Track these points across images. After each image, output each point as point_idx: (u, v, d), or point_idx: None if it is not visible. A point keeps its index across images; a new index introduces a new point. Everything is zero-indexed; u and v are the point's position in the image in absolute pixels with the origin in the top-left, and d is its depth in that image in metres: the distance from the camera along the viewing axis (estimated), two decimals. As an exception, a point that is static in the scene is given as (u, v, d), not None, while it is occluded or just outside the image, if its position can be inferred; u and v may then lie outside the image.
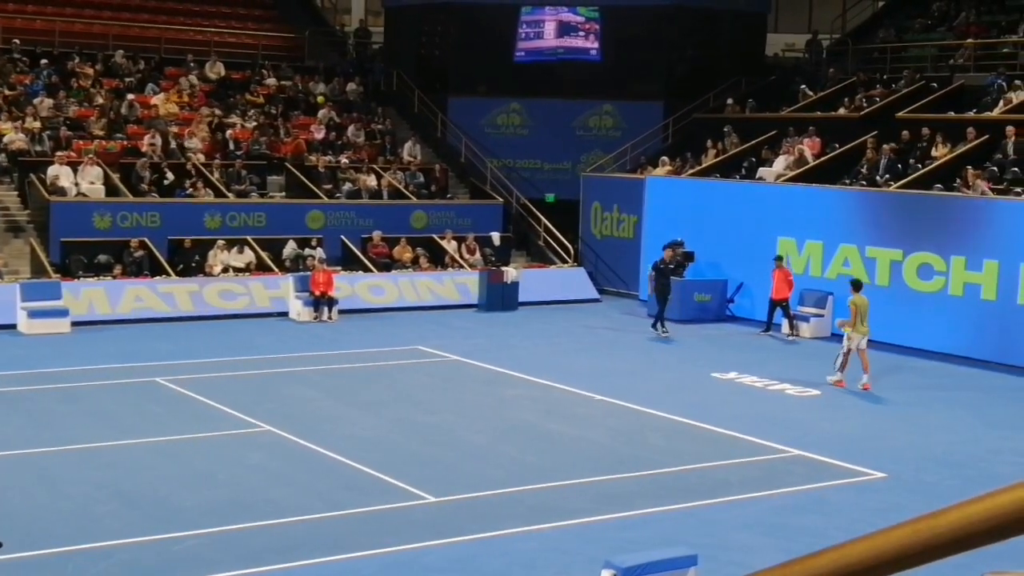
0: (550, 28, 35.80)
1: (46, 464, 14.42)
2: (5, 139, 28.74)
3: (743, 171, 29.77)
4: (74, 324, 23.98)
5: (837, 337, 25.18)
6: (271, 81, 34.98)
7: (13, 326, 23.62)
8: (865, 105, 30.43)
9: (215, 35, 36.17)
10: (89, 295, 25.05)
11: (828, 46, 37.88)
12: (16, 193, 28.39)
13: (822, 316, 25.73)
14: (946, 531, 2.08)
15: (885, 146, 27.12)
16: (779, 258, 25.54)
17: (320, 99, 34.93)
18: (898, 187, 25.64)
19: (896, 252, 24.62)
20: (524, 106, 35.75)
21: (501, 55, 35.69)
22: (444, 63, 36.98)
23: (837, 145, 28.80)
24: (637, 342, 24.88)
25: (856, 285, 21.08)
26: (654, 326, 25.72)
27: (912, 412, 18.99)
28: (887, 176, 26.31)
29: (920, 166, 26.35)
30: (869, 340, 20.55)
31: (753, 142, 30.84)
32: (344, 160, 32.19)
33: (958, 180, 25.03)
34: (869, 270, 24.96)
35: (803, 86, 33.08)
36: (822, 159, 28.56)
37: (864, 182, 26.58)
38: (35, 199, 27.65)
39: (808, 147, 28.93)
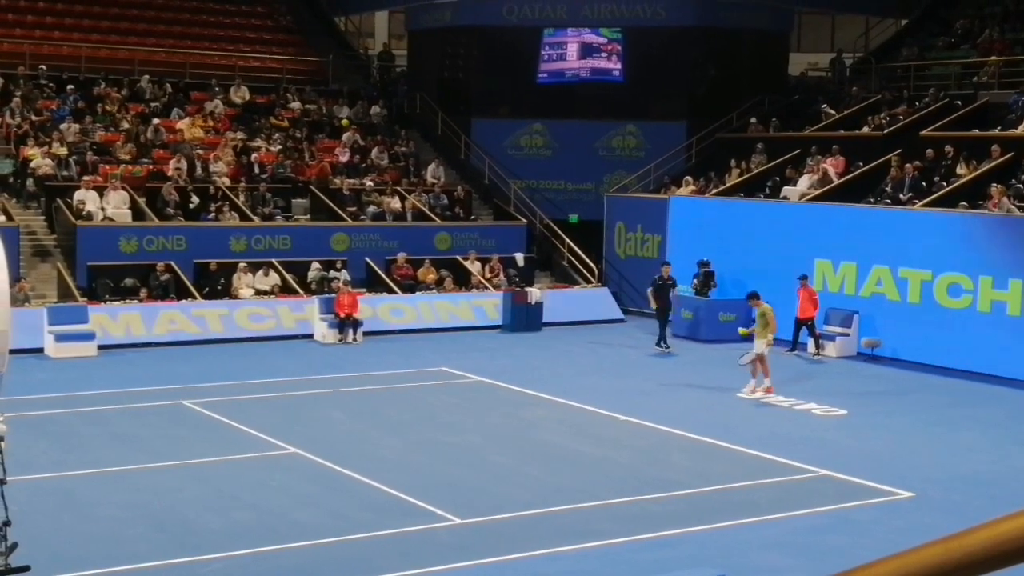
0: (573, 49, 35.85)
1: (73, 487, 14.46)
2: (32, 164, 28.93)
3: (767, 190, 29.71)
4: (100, 347, 24.09)
5: (864, 356, 25.23)
6: (295, 105, 35.14)
7: (40, 350, 23.73)
8: (889, 123, 30.35)
9: (240, 59, 36.36)
10: (116, 319, 25.16)
11: (851, 65, 37.82)
12: (43, 218, 28.56)
13: (848, 335, 25.61)
14: (979, 550, 2.07)
15: (909, 164, 27.02)
16: (804, 277, 25.48)
17: (344, 122, 35.07)
18: (922, 205, 25.55)
19: (926, 273, 24.50)
20: (547, 127, 35.79)
21: (524, 77, 35.75)
22: (467, 85, 37.07)
23: (861, 164, 28.72)
24: (662, 362, 24.83)
25: (755, 295, 21.92)
26: (657, 343, 25.98)
27: (939, 431, 18.87)
28: (911, 194, 26.21)
29: (945, 184, 26.24)
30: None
31: (777, 161, 30.79)
32: (368, 183, 32.28)
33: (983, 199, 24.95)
34: (901, 290, 24.87)
35: (824, 105, 33.03)
36: (846, 178, 28.49)
37: (888, 200, 26.49)
38: (62, 224, 27.82)
39: (832, 166, 28.86)
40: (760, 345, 20.76)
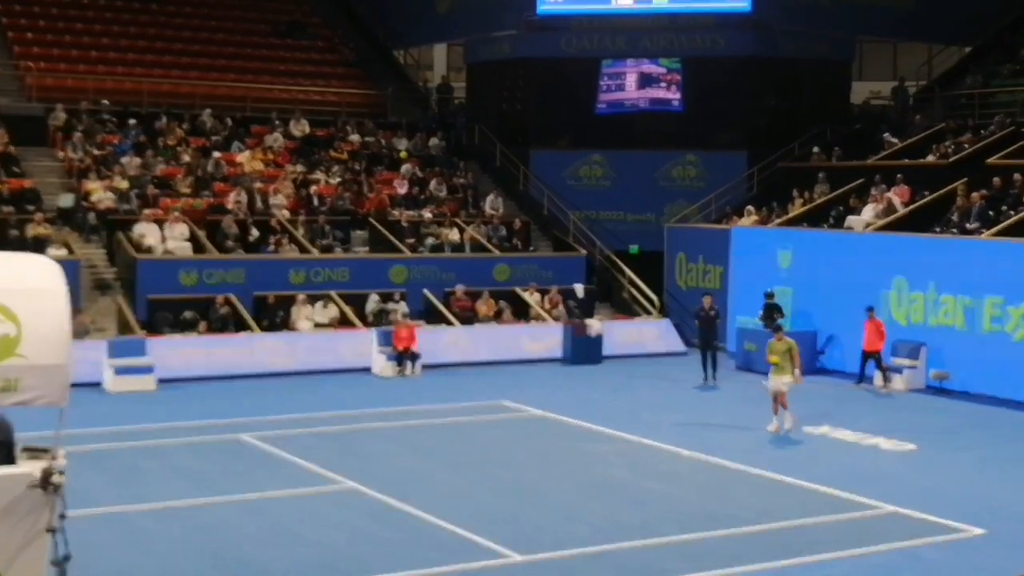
0: (631, 80, 35.79)
1: (132, 521, 14.41)
2: (93, 198, 29.16)
3: (831, 220, 29.34)
4: (160, 381, 24.14)
5: (932, 389, 24.76)
6: (355, 137, 35.25)
7: (99, 384, 23.81)
8: (954, 152, 29.94)
9: (299, 93, 36.56)
10: (175, 352, 25.21)
11: (914, 93, 37.45)
12: (104, 251, 28.75)
13: (915, 367, 25.16)
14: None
15: (975, 193, 26.58)
16: (871, 308, 25.08)
17: (403, 154, 35.15)
18: (990, 234, 25.09)
19: (996, 303, 24.02)
20: (606, 158, 35.70)
21: (582, 107, 35.72)
22: (525, 117, 37.09)
23: (927, 193, 28.31)
24: (724, 396, 24.50)
25: (779, 328, 21.37)
26: (713, 376, 25.86)
27: (1010, 466, 18.38)
28: (978, 223, 25.77)
29: (1012, 212, 25.77)
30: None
31: (840, 191, 30.44)
32: (427, 214, 32.27)
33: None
34: (970, 321, 24.41)
35: (887, 134, 32.67)
36: (911, 207, 28.08)
37: (955, 230, 26.05)
38: (122, 257, 27.99)
39: (897, 195, 28.47)
40: (788, 380, 20.11)
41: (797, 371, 20.06)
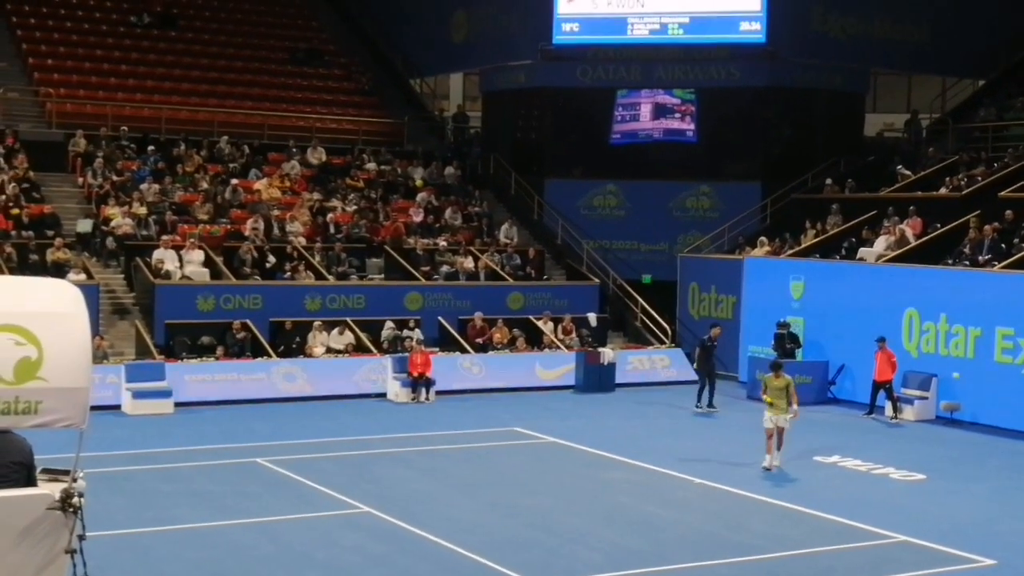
0: (646, 110, 35.96)
1: (148, 544, 14.53)
2: (112, 223, 29.43)
3: (843, 251, 29.45)
4: (177, 405, 24.32)
5: (942, 420, 24.80)
6: (371, 166, 35.51)
7: (117, 407, 24.00)
8: (967, 184, 30.02)
9: (316, 121, 36.85)
10: (192, 377, 25.39)
11: (928, 125, 37.54)
12: (122, 276, 29.00)
13: (926, 398, 25.21)
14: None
15: (988, 226, 26.65)
16: (882, 339, 25.14)
17: (419, 183, 35.38)
18: (1002, 267, 25.17)
19: (1007, 335, 24.09)
20: (620, 188, 35.85)
21: (597, 137, 35.91)
22: (540, 146, 37.28)
23: (939, 225, 28.38)
24: (736, 424, 24.55)
25: (779, 365, 20.26)
26: (710, 404, 26.04)
27: (1022, 497, 18.43)
28: (989, 256, 25.84)
29: (1024, 245, 25.87)
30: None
31: (853, 222, 30.53)
32: (442, 243, 32.47)
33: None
34: (981, 353, 24.45)
35: (900, 166, 32.77)
36: (923, 239, 28.16)
37: (967, 262, 26.12)
38: (141, 282, 28.22)
39: (910, 227, 28.55)
40: (788, 418, 19.57)
41: (795, 407, 19.50)
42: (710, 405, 26.05)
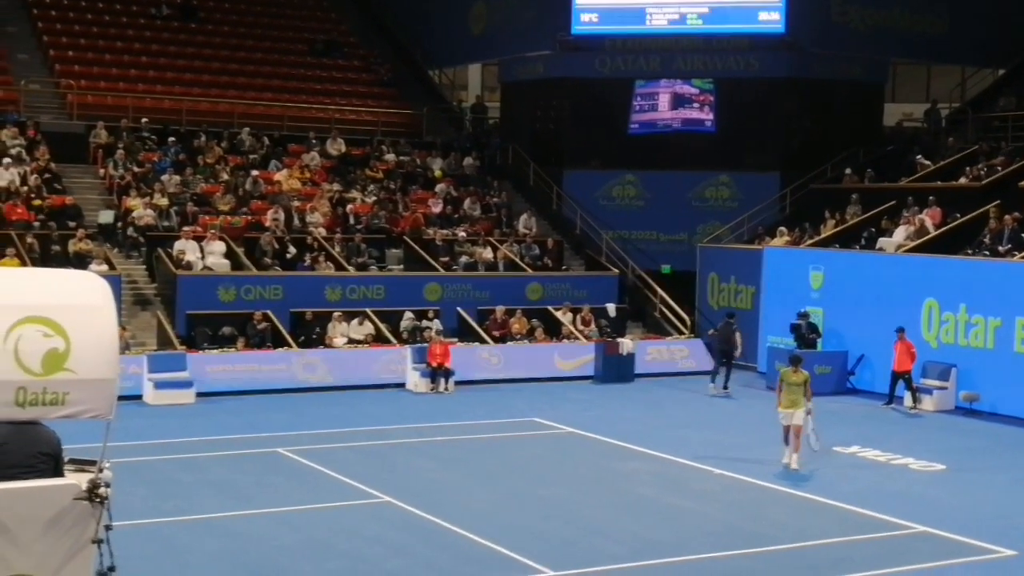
0: (664, 100, 35.94)
1: (169, 534, 14.65)
2: (134, 215, 29.58)
3: (863, 241, 29.42)
4: (198, 395, 24.47)
5: (962, 410, 24.78)
6: (390, 157, 35.59)
7: (139, 397, 24.15)
8: (987, 174, 29.94)
9: (336, 113, 36.95)
10: (214, 367, 25.54)
11: (947, 115, 37.43)
12: (144, 267, 29.14)
13: (945, 389, 25.20)
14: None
15: (1008, 216, 26.58)
16: (901, 330, 25.12)
17: (438, 174, 35.45)
18: (1022, 257, 25.11)
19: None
20: (639, 178, 35.86)
21: (616, 128, 35.91)
22: (559, 137, 37.29)
23: (959, 215, 28.33)
24: (756, 415, 24.56)
25: (799, 359, 19.63)
26: (724, 386, 26.64)
27: (1042, 488, 18.47)
28: (1009, 246, 25.79)
29: (1045, 235, 25.81)
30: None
31: (872, 212, 30.49)
32: (461, 233, 32.53)
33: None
34: (1000, 343, 24.42)
35: (919, 156, 32.69)
36: (943, 229, 28.11)
37: (987, 252, 26.08)
38: (162, 273, 28.37)
39: (929, 217, 28.51)
40: (803, 414, 19.04)
41: (810, 405, 18.97)
42: (724, 387, 26.16)
